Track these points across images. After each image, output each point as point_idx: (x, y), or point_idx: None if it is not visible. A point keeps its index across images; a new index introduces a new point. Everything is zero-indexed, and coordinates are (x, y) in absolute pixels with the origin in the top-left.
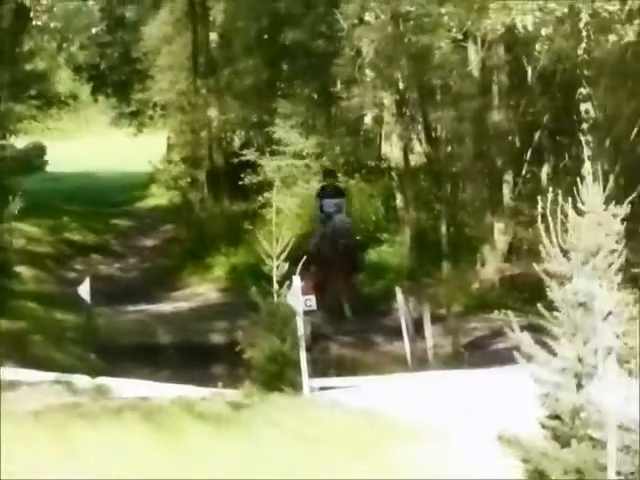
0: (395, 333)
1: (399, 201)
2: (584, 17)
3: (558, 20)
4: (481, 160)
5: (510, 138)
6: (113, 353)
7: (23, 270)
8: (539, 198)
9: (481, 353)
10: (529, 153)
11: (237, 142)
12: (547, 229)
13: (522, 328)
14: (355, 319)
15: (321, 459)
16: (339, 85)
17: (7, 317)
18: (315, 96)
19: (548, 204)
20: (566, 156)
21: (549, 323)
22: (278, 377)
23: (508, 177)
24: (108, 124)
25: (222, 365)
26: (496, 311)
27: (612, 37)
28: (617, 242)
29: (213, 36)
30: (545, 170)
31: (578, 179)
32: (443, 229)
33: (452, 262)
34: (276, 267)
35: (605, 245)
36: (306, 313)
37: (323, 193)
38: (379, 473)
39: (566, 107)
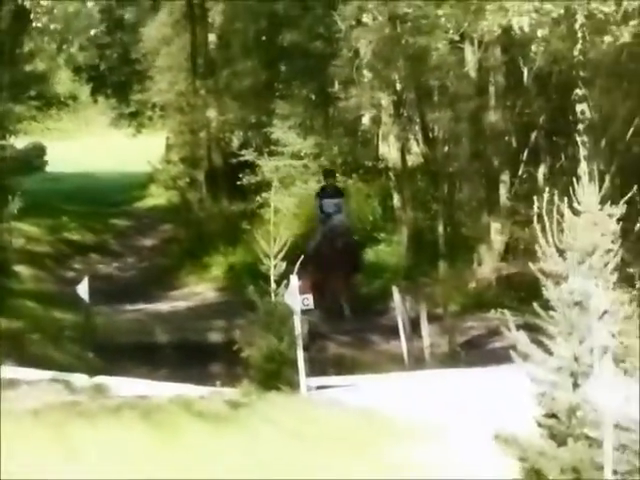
0: (392, 332)
1: (396, 201)
2: (580, 18)
3: (554, 21)
4: (478, 160)
5: (507, 138)
6: (111, 352)
7: (22, 269)
8: (535, 198)
9: (478, 352)
10: (525, 153)
11: (235, 142)
12: (543, 229)
13: (518, 327)
14: (353, 318)
15: (318, 458)
16: (337, 86)
17: (6, 316)
18: (313, 97)
19: (544, 204)
20: (562, 156)
21: (545, 322)
22: (276, 376)
23: (505, 177)
24: (107, 125)
25: (220, 364)
26: (492, 310)
27: (607, 38)
28: (613, 242)
29: (212, 37)
30: (541, 170)
31: (574, 179)
32: (440, 229)
33: (449, 261)
34: (274, 266)
35: (601, 245)
36: (303, 312)
37: (323, 193)
38: (376, 472)
39: (562, 108)
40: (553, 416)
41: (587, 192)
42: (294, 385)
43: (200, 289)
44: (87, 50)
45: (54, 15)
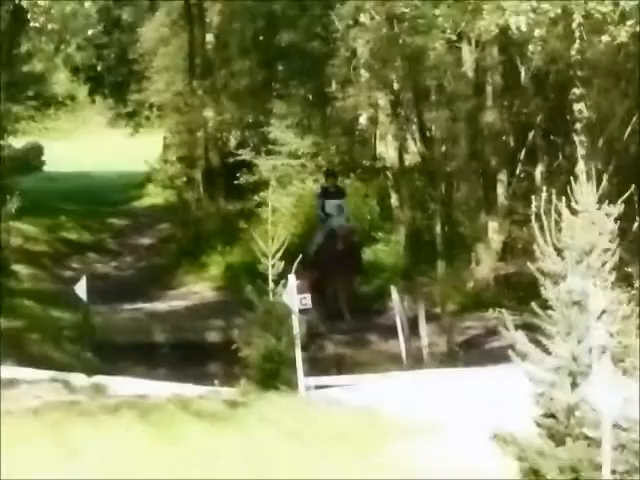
0: (390, 332)
1: (394, 200)
2: (577, 18)
3: (551, 21)
4: (475, 160)
5: (504, 138)
6: (110, 351)
7: (20, 269)
8: (533, 197)
9: (476, 352)
10: (523, 153)
11: (233, 142)
12: (541, 228)
13: (517, 327)
14: (352, 322)
15: (317, 457)
16: (334, 86)
17: (4, 315)
18: (310, 96)
19: (542, 203)
20: (560, 156)
21: (543, 322)
22: (274, 375)
23: (502, 177)
24: (105, 124)
25: (218, 363)
26: (491, 310)
27: (605, 38)
28: (611, 241)
29: (209, 37)
30: (539, 170)
31: (572, 178)
32: (438, 228)
33: (447, 261)
34: (271, 266)
35: (599, 244)
36: (302, 312)
37: (325, 194)
38: (375, 471)
39: (559, 107)
40: (551, 416)
41: (585, 191)
42: (292, 385)
43: (198, 288)
44: (85, 50)
45: (51, 15)
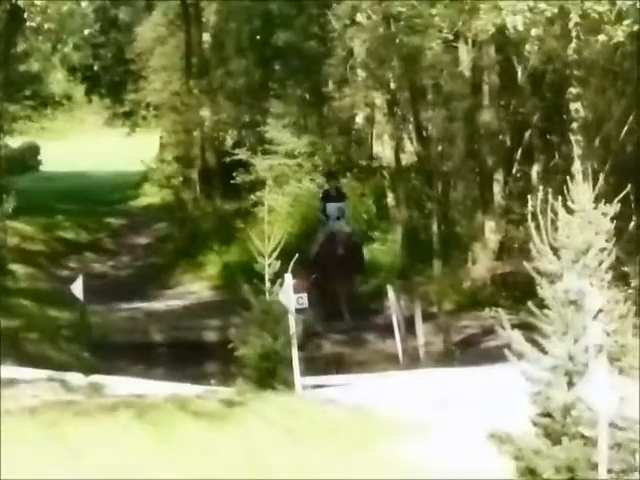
0: (387, 331)
1: (391, 200)
2: (574, 18)
3: (548, 21)
4: (472, 159)
5: (500, 137)
6: (107, 351)
7: (17, 268)
8: (529, 197)
9: (472, 351)
10: (519, 152)
11: (229, 141)
12: (537, 227)
13: (513, 326)
14: (351, 322)
15: (314, 456)
16: (331, 85)
17: (1, 315)
18: (307, 96)
19: (538, 203)
20: (556, 155)
21: (540, 321)
22: (271, 375)
23: (499, 176)
24: (102, 124)
25: (215, 363)
26: (487, 309)
27: (602, 37)
28: (607, 240)
29: (206, 37)
30: (535, 169)
31: (568, 178)
32: (434, 227)
33: (443, 260)
34: (268, 265)
35: (595, 243)
36: (298, 311)
37: (326, 197)
38: (371, 470)
39: (556, 107)
40: (548, 415)
41: (581, 191)
42: (289, 384)
43: (195, 288)
44: (81, 50)
45: (48, 15)
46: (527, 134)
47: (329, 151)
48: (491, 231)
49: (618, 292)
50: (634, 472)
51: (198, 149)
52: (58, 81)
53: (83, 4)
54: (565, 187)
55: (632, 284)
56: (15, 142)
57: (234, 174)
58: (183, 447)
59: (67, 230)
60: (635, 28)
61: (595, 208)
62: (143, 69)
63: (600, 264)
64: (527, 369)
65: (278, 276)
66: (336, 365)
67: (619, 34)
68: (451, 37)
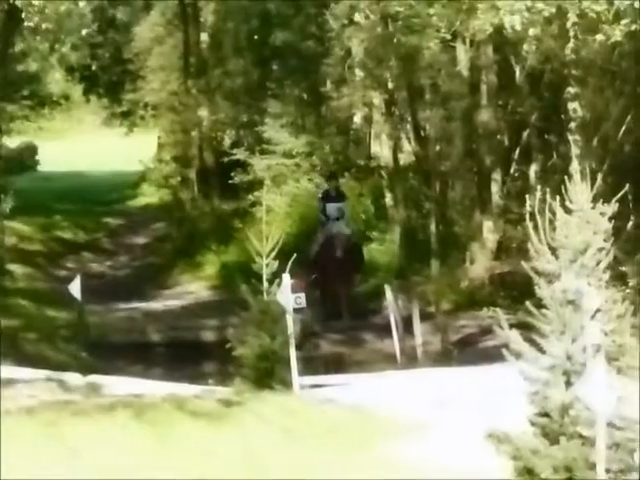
0: (385, 331)
1: (389, 200)
2: (572, 17)
3: (546, 20)
4: (470, 159)
5: (498, 137)
6: (105, 351)
7: (15, 268)
8: (527, 196)
9: (470, 350)
10: (517, 152)
11: (227, 141)
12: (535, 227)
13: (511, 326)
14: (350, 322)
15: (312, 456)
16: (329, 85)
17: None
18: (305, 96)
19: (536, 202)
20: (554, 155)
21: (538, 321)
22: (269, 374)
23: (497, 176)
24: (100, 124)
25: (213, 362)
26: (485, 309)
27: (599, 37)
28: (605, 240)
29: (204, 37)
30: (533, 169)
31: (566, 177)
32: (432, 227)
33: (441, 260)
34: (266, 265)
35: (593, 243)
36: (296, 311)
37: (326, 197)
38: (369, 470)
39: (554, 106)
40: (546, 415)
41: (579, 190)
42: (287, 384)
43: (193, 288)
44: (79, 50)
45: (46, 14)
46: (525, 134)
47: (327, 151)
48: (489, 231)
49: (616, 292)
50: (632, 472)
51: (196, 149)
52: (56, 81)
53: (81, 4)
54: (563, 187)
55: (630, 284)
56: (13, 142)
57: (232, 174)
58: (181, 447)
59: (65, 230)
60: (633, 28)
61: (593, 208)
62: (141, 69)
63: (598, 264)
64: (525, 369)
65: (276, 276)
66: (334, 365)
67: (617, 34)
68: (449, 37)
